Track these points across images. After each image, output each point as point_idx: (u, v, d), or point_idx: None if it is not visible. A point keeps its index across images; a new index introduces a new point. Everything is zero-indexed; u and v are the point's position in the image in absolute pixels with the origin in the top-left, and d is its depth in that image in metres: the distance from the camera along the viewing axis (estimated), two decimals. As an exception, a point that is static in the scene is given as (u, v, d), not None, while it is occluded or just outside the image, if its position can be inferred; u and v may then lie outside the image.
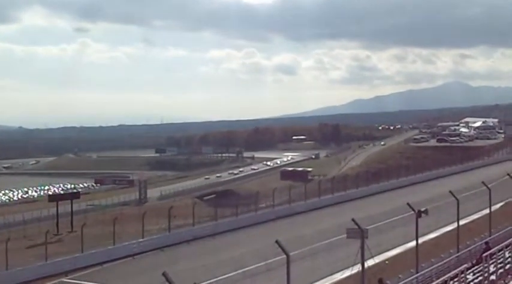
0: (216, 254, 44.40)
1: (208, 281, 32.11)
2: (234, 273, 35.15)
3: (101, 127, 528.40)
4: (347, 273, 29.66)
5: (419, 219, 30.84)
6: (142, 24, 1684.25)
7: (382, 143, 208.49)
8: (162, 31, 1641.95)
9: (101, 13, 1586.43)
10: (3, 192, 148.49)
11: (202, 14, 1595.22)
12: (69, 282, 40.20)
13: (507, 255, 28.91)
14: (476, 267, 28.17)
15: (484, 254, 26.95)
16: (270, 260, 29.67)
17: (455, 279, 24.96)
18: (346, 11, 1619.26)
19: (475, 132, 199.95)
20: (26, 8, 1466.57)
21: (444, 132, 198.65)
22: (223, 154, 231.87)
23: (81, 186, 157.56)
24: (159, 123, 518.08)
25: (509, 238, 32.72)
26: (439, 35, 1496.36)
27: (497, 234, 37.59)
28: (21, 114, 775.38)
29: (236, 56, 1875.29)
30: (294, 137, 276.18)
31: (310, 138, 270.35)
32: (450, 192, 35.82)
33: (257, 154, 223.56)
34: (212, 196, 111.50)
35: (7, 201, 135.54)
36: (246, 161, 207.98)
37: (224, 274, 35.22)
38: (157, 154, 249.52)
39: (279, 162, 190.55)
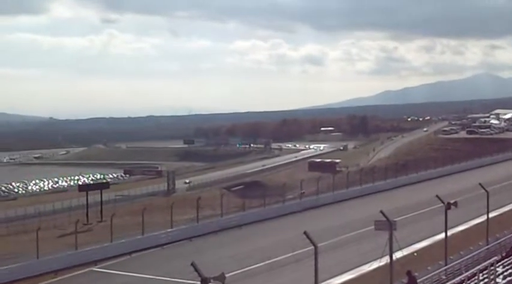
0: (244, 244, 44.59)
1: (237, 272, 32.21)
2: (262, 264, 35.25)
3: (129, 118, 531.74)
4: (375, 265, 29.61)
5: (448, 211, 30.64)
6: (167, 14, 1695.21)
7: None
8: (187, 21, 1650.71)
9: (127, 4, 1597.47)
10: (33, 181, 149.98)
11: (227, 4, 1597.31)
12: (98, 271, 40.59)
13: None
14: (506, 260, 27.95)
15: (514, 247, 26.75)
16: (298, 251, 29.67)
17: (485, 272, 24.79)
18: (373, 2, 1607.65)
19: (505, 123, 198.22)
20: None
21: (474, 124, 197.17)
22: (251, 145, 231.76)
23: (110, 176, 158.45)
24: (186, 114, 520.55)
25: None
26: (467, 25, 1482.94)
27: (527, 227, 37.28)
28: (52, 105, 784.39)
29: (262, 46, 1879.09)
30: (322, 128, 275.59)
31: (338, 129, 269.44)
32: (480, 184, 35.54)
33: (285, 146, 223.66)
34: (240, 187, 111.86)
35: (38, 190, 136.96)
36: (273, 152, 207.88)
37: (252, 265, 35.35)
38: (186, 145, 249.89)
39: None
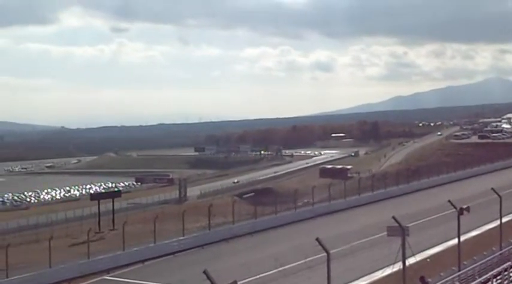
0: (256, 252, 44.55)
1: (249, 279, 32.18)
2: (275, 271, 35.16)
3: (140, 126, 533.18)
4: (388, 271, 29.50)
5: (460, 216, 30.49)
6: (177, 23, 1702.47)
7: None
8: (196, 29, 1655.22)
9: (137, 13, 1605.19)
10: (45, 191, 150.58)
11: (236, 12, 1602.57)
12: (111, 280, 40.65)
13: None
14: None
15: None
16: (310, 258, 29.58)
17: (499, 277, 24.69)
18: (382, 7, 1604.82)
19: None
20: (64, 9, 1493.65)
21: (486, 129, 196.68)
22: (263, 152, 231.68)
23: (122, 184, 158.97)
24: (197, 121, 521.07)
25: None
26: (476, 29, 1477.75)
27: (541, 231, 37.01)
28: (63, 114, 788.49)
29: (272, 53, 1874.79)
30: (332, 135, 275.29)
31: (349, 135, 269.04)
32: (492, 189, 35.35)
33: (296, 152, 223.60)
34: (251, 194, 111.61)
35: (50, 199, 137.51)
36: (284, 159, 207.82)
37: (264, 272, 35.28)
38: (197, 153, 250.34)
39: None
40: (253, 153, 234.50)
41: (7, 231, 77.79)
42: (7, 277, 38.80)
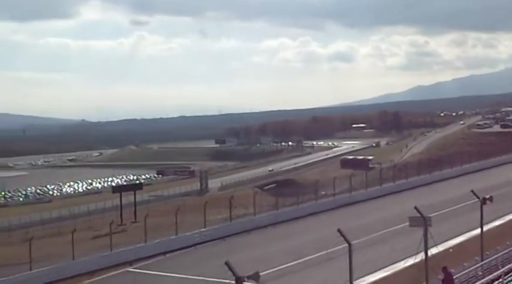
0: (278, 243, 44.51)
1: (271, 270, 32.17)
2: (296, 262, 35.19)
3: (161, 118, 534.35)
4: (410, 262, 29.36)
5: (483, 206, 30.24)
6: (196, 15, 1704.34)
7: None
8: (216, 22, 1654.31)
9: (156, 6, 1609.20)
10: (68, 184, 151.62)
11: (255, 3, 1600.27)
12: (134, 271, 40.86)
13: None
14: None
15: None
16: (331, 249, 29.55)
17: (522, 267, 24.43)
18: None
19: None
20: (84, 2, 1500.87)
21: (508, 118, 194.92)
22: (283, 143, 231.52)
23: (143, 177, 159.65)
24: (217, 113, 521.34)
25: None
26: (498, 17, 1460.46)
27: None
28: (84, 107, 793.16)
29: (291, 45, 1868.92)
30: (353, 125, 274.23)
31: (370, 126, 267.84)
32: (515, 178, 35.10)
33: (316, 143, 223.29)
34: (273, 185, 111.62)
35: (72, 192, 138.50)
36: (305, 150, 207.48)
37: (286, 263, 35.30)
38: (217, 145, 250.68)
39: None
40: (274, 144, 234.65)
41: (30, 224, 78.72)
42: (30, 270, 39.14)
